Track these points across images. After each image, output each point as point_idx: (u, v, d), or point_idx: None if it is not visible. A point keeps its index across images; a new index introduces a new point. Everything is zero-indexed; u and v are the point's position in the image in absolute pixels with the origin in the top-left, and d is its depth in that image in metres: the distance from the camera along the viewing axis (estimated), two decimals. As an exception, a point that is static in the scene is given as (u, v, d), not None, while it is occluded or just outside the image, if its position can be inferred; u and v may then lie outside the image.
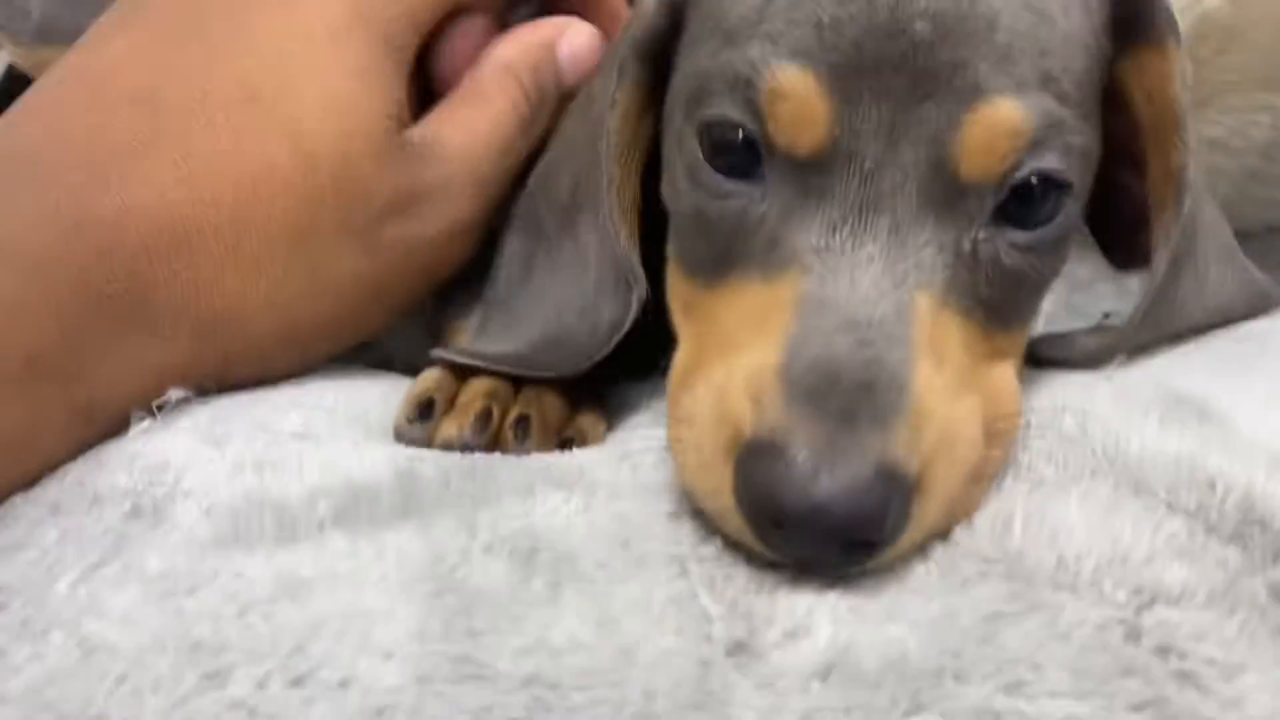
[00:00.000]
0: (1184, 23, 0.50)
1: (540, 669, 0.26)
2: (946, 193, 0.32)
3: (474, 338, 0.42)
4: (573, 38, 0.44)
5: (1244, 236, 0.58)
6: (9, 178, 0.36)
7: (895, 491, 0.28)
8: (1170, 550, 0.30)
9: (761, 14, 0.33)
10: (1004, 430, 0.32)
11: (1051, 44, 0.33)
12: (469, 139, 0.41)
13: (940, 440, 0.29)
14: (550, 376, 0.38)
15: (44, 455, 0.34)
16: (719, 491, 0.29)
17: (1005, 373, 0.34)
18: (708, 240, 0.35)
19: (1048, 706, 0.26)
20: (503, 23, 0.46)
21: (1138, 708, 0.26)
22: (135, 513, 0.31)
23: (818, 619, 0.27)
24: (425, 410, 0.37)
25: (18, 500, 0.33)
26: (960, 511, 0.30)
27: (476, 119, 0.42)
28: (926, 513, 0.29)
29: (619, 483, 0.32)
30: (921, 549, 0.30)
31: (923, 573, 0.29)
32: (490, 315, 0.42)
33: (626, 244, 0.38)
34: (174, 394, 0.37)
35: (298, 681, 0.25)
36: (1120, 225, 0.41)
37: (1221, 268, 0.41)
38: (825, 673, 0.26)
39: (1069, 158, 0.33)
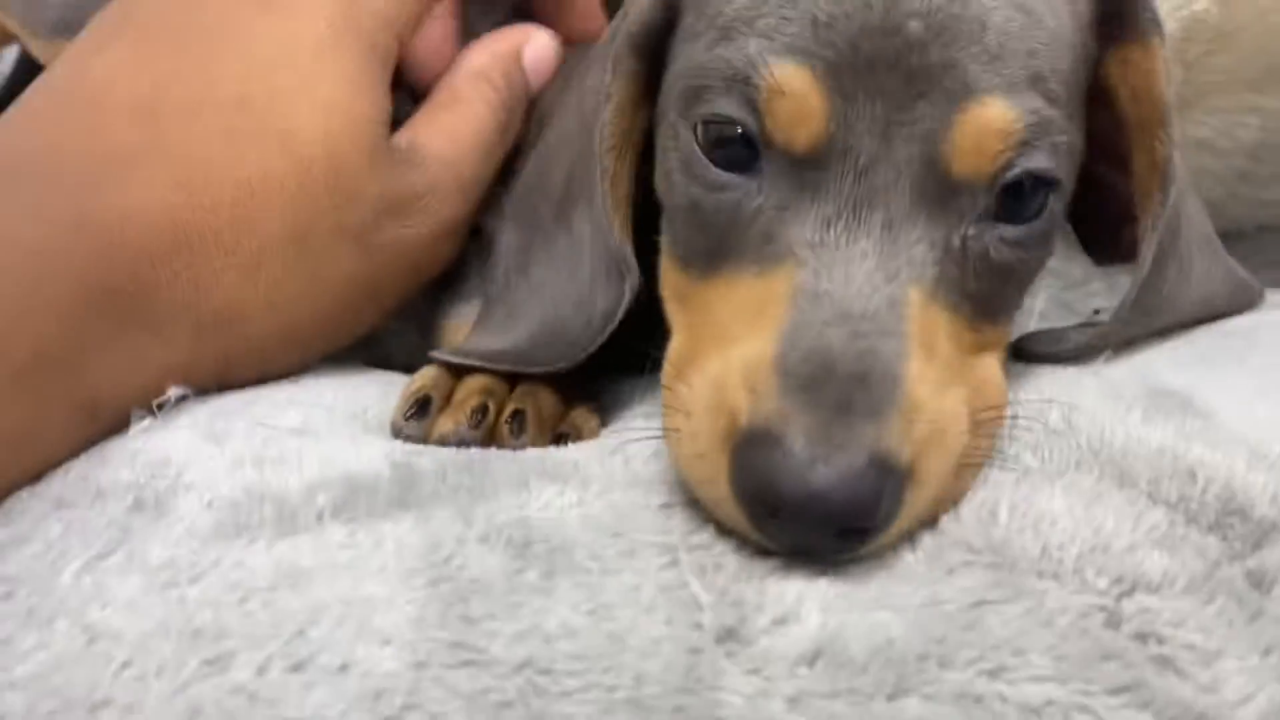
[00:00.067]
0: (1172, 24, 0.51)
1: (534, 655, 0.27)
2: (939, 190, 0.33)
3: (474, 333, 0.42)
4: (534, 45, 0.47)
5: (1235, 237, 0.59)
6: (8, 181, 0.37)
7: (889, 480, 0.29)
8: (1151, 540, 0.30)
9: (758, 10, 0.34)
10: (990, 421, 0.33)
11: (1040, 44, 0.34)
12: (451, 144, 0.43)
13: (931, 431, 0.30)
14: (546, 372, 0.39)
15: (47, 452, 0.35)
16: (715, 480, 0.30)
17: (991, 364, 0.35)
18: (702, 232, 0.35)
19: (1028, 690, 0.27)
20: (473, 31, 0.48)
21: (1116, 691, 0.27)
22: (138, 506, 0.31)
23: (807, 606, 0.28)
24: (422, 407, 0.37)
25: (23, 495, 0.33)
26: (948, 500, 0.31)
27: (457, 124, 0.44)
28: (917, 501, 0.30)
29: (612, 476, 0.33)
30: (910, 538, 0.30)
31: (910, 561, 0.29)
32: (490, 310, 0.43)
33: (620, 235, 0.38)
34: (174, 392, 0.38)
35: (297, 666, 0.26)
36: (1101, 221, 0.42)
37: (1205, 260, 0.42)
38: (813, 658, 0.27)
39: (1057, 156, 0.34)
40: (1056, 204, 0.35)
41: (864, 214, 0.32)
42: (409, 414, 0.37)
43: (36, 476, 0.34)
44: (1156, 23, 0.38)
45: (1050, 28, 0.35)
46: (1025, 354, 0.40)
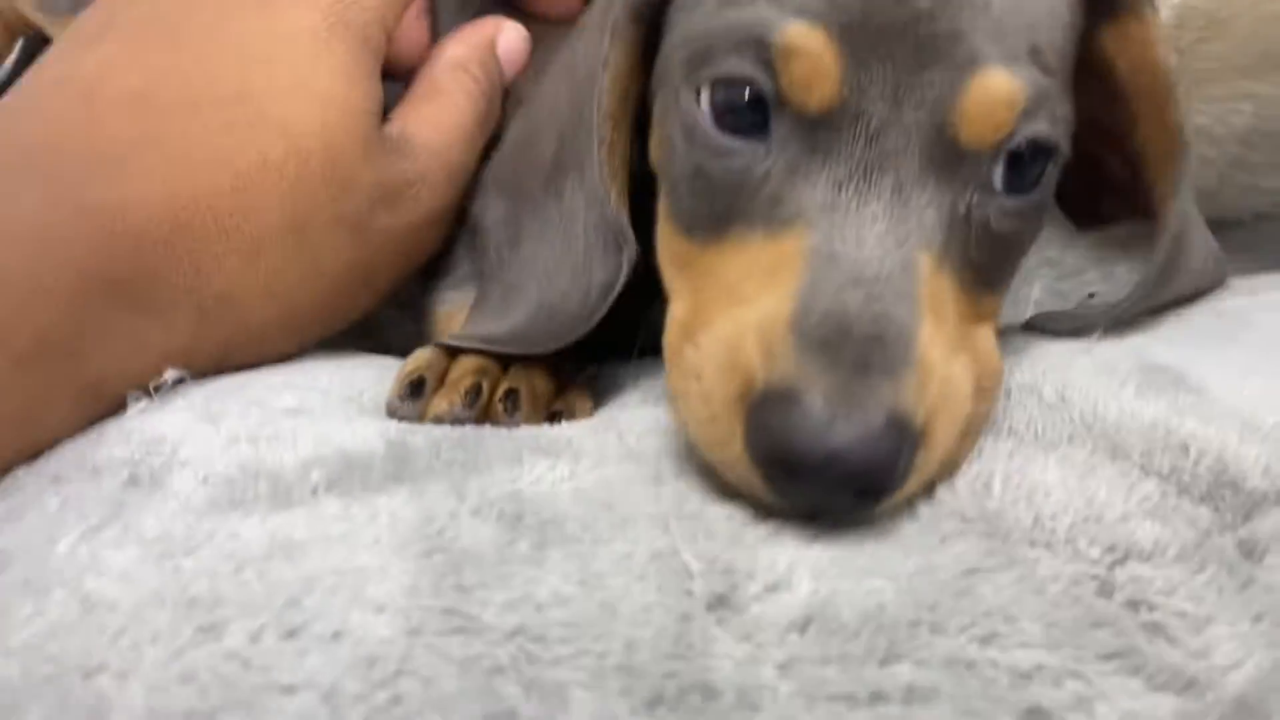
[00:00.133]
0: (1165, 12, 0.52)
1: (526, 622, 0.27)
2: (946, 157, 0.33)
3: (473, 315, 0.42)
4: (507, 35, 0.48)
5: (1231, 224, 0.59)
6: (8, 170, 0.37)
7: (905, 440, 0.29)
8: (1144, 510, 0.30)
9: None
10: (989, 388, 0.33)
11: (1038, 18, 0.35)
12: (436, 133, 0.44)
13: (942, 393, 0.30)
14: (542, 353, 0.39)
15: (50, 432, 0.35)
16: (728, 442, 0.30)
17: (987, 335, 0.35)
18: (706, 198, 0.35)
19: (1019, 656, 0.27)
20: (452, 22, 0.49)
21: (1107, 657, 0.27)
22: (133, 481, 0.31)
23: (798, 573, 0.28)
24: (416, 388, 0.37)
25: (19, 472, 0.34)
26: (952, 463, 0.31)
27: (439, 114, 0.45)
28: (928, 462, 0.30)
29: (605, 451, 0.33)
30: (912, 502, 0.30)
31: (903, 529, 0.30)
32: (487, 289, 0.43)
33: (616, 204, 0.38)
34: (170, 375, 0.38)
35: (291, 634, 0.26)
36: (1080, 193, 0.42)
37: (1198, 231, 0.43)
38: (804, 624, 0.27)
39: (1056, 125, 0.35)
40: (1053, 174, 0.36)
41: (874, 178, 0.32)
42: (404, 395, 0.37)
43: (35, 457, 0.35)
44: None
45: (1047, 2, 0.36)
46: (1043, 331, 0.41)
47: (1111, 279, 0.59)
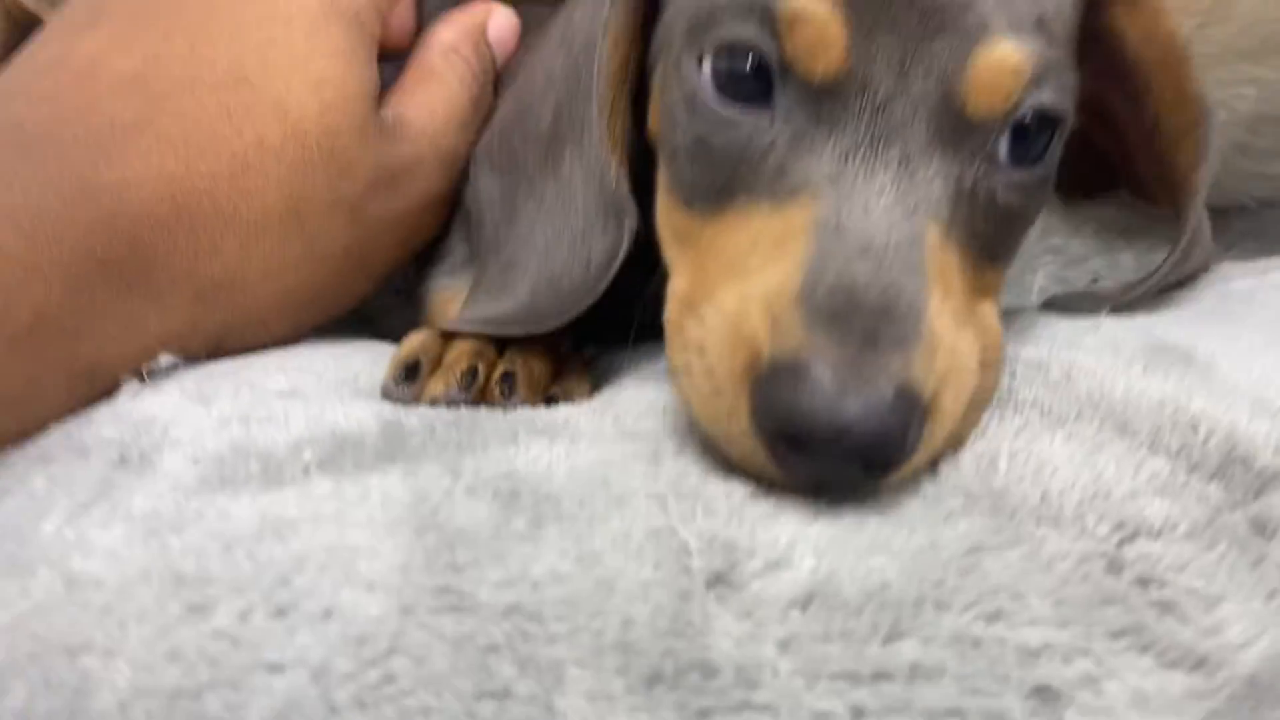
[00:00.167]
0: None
1: (521, 600, 0.26)
2: (953, 128, 0.33)
3: (474, 296, 0.42)
4: (497, 19, 0.48)
5: (1237, 212, 0.58)
6: (4, 150, 0.37)
7: (914, 413, 0.28)
8: (1153, 487, 0.30)
9: None
10: (993, 361, 0.33)
11: None
12: (430, 118, 0.44)
13: (950, 366, 0.30)
14: (542, 332, 0.38)
15: (44, 414, 0.35)
16: (732, 416, 0.29)
17: (990, 309, 0.35)
18: (708, 169, 0.35)
19: (1027, 634, 0.26)
20: (439, 5, 0.49)
21: (1117, 635, 0.26)
22: (122, 461, 0.31)
23: (799, 550, 0.27)
24: (411, 372, 0.37)
25: (6, 451, 0.33)
26: (958, 437, 0.31)
27: (433, 99, 0.45)
28: (935, 435, 0.30)
29: (602, 431, 0.33)
30: (912, 480, 0.30)
31: (907, 506, 0.29)
32: (485, 268, 0.42)
33: (616, 173, 0.38)
34: (164, 360, 0.38)
35: (280, 612, 0.26)
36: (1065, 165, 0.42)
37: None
38: (806, 601, 0.26)
39: (1063, 95, 0.34)
40: (1058, 146, 0.35)
41: (881, 148, 0.32)
42: (399, 379, 0.37)
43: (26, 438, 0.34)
44: None
45: None
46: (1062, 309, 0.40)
47: (1116, 266, 0.58)
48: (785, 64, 0.33)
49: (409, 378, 0.37)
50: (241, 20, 0.41)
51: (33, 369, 0.35)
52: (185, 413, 0.33)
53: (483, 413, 0.34)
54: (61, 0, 0.63)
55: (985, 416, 0.32)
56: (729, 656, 0.25)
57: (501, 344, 0.38)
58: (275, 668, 0.24)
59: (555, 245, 0.39)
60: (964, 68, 0.32)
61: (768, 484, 0.29)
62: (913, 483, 0.30)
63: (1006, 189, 0.34)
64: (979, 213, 0.34)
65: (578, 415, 0.34)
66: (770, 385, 0.29)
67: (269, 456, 0.31)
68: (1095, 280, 0.54)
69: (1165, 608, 0.27)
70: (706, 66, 0.34)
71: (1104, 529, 0.28)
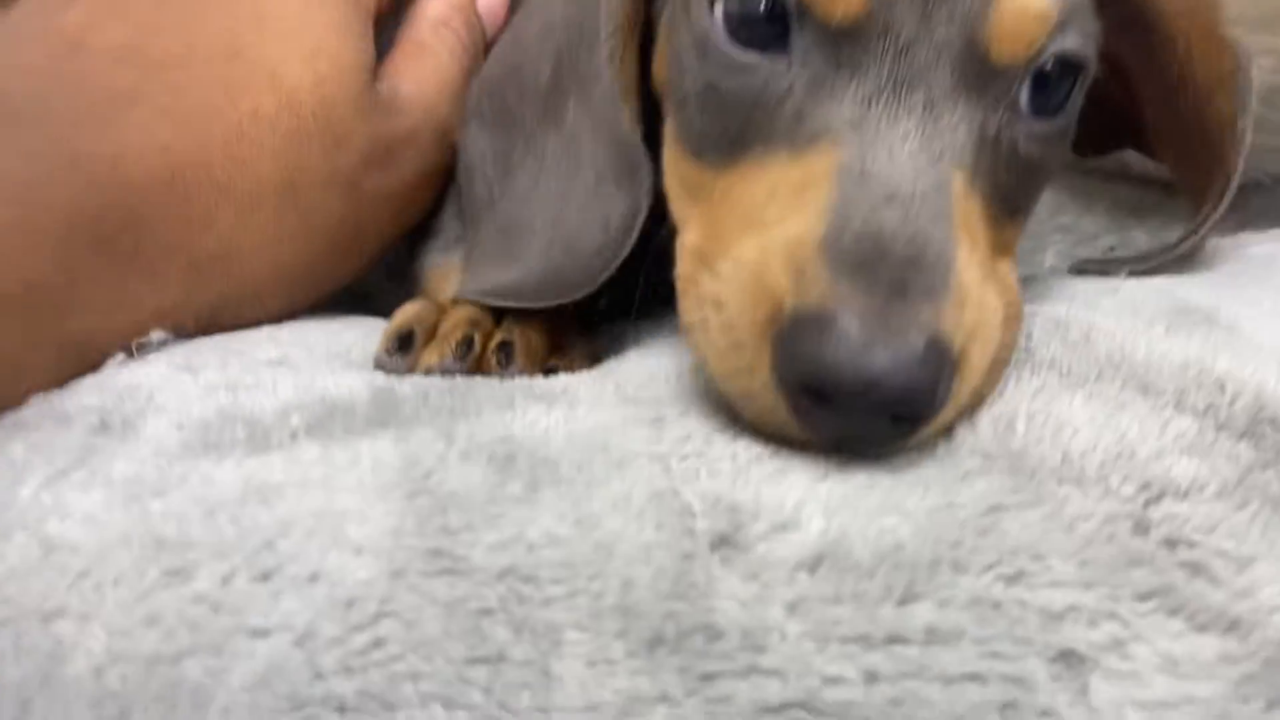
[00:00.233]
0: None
1: (516, 562, 0.25)
2: (977, 74, 0.32)
3: (474, 262, 0.40)
4: None
5: (1252, 188, 0.57)
6: None
7: (944, 367, 0.27)
8: (1179, 447, 0.28)
9: None
10: (1013, 316, 0.32)
11: None
12: (422, 90, 0.43)
13: (977, 320, 0.29)
14: (540, 307, 0.37)
15: (32, 386, 0.34)
16: (753, 370, 0.28)
17: (1006, 265, 0.34)
18: (720, 118, 0.33)
19: (1050, 596, 0.25)
20: None
21: (1145, 597, 0.25)
22: (104, 426, 0.30)
23: (807, 511, 0.26)
24: (405, 342, 0.36)
25: (-15, 420, 0.32)
26: (983, 393, 0.30)
27: (425, 71, 0.44)
28: (962, 391, 0.28)
29: (602, 398, 0.31)
30: (927, 444, 0.28)
31: (920, 466, 0.28)
32: (480, 229, 0.41)
33: (630, 124, 0.36)
34: (155, 335, 0.37)
35: (264, 576, 0.24)
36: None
37: None
38: (815, 563, 0.25)
39: (1086, 41, 0.33)
40: (1079, 96, 0.34)
41: (904, 94, 0.31)
42: (392, 350, 0.36)
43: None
44: None
45: None
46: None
47: (1128, 244, 0.57)
48: (803, 5, 0.31)
49: (403, 348, 0.36)
50: None
51: (21, 340, 0.34)
52: (171, 381, 0.32)
53: (478, 380, 0.33)
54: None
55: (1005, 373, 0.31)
56: (734, 620, 0.24)
57: (499, 313, 0.37)
58: (258, 632, 0.23)
59: (564, 205, 0.38)
60: (988, 13, 0.31)
61: (785, 443, 0.28)
62: (929, 443, 0.28)
63: (1028, 139, 0.33)
64: (1001, 163, 0.32)
65: (577, 383, 0.33)
66: (794, 337, 0.27)
67: (255, 422, 0.30)
68: (1112, 250, 0.53)
69: (1195, 569, 0.25)
70: (718, 9, 0.33)
71: (1129, 489, 0.27)
